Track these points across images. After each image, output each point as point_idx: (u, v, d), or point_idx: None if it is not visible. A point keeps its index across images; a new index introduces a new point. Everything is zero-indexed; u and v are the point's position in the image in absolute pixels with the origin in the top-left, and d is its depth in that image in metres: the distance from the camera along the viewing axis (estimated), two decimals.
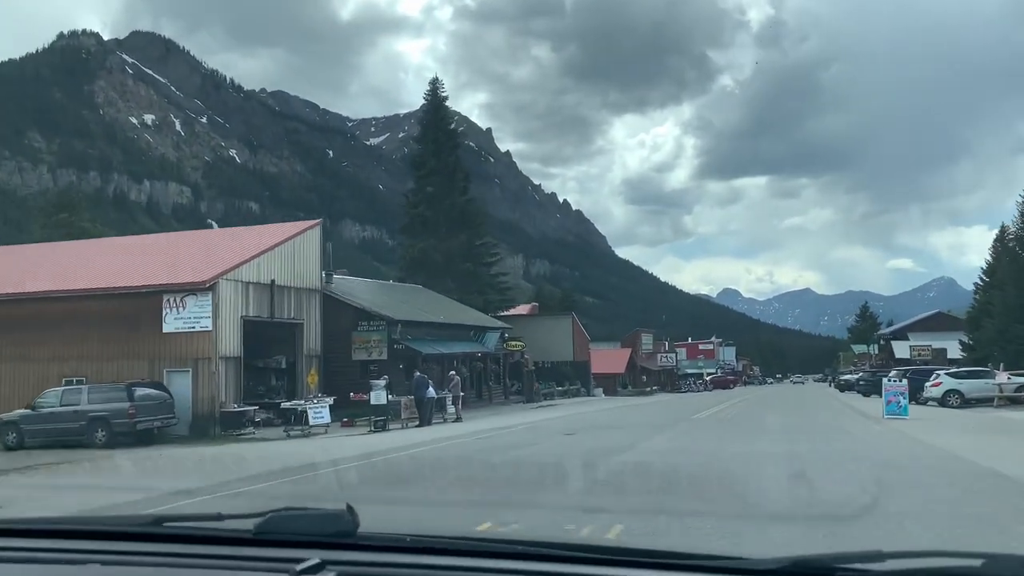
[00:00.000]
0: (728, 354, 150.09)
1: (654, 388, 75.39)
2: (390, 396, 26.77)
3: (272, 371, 32.13)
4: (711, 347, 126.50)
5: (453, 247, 50.78)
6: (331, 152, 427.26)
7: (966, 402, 36.24)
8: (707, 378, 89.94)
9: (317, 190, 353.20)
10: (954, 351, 69.76)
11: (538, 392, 48.37)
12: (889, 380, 28.00)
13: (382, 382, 26.05)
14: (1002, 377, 35.63)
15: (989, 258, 65.43)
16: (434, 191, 51.86)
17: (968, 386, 36.30)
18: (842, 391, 66.81)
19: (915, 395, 40.18)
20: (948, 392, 36.68)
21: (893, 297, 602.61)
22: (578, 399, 51.77)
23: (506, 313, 55.75)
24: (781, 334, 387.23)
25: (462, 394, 30.69)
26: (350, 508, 1.91)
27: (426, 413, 27.08)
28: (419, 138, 54.34)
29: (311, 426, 25.86)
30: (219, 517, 2.06)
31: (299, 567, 1.67)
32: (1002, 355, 53.58)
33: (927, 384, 37.74)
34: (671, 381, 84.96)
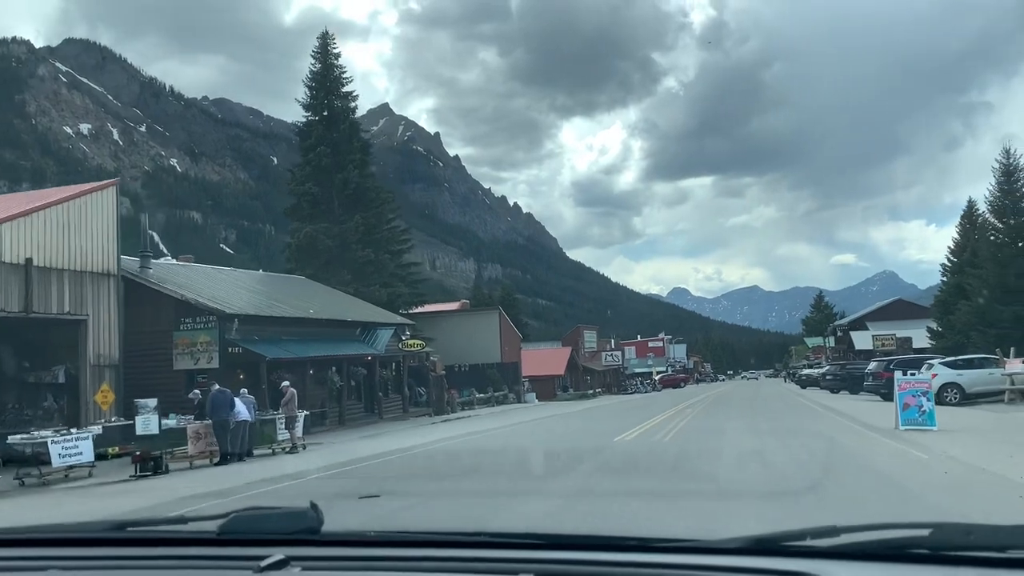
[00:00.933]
0: (679, 351, 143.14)
1: (597, 390, 67.08)
2: (177, 421, 17.77)
3: (47, 387, 22.87)
4: (660, 344, 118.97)
5: (348, 231, 41.78)
6: (276, 159, 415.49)
7: (967, 397, 28.54)
8: (656, 377, 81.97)
9: (262, 198, 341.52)
10: (920, 339, 62.71)
11: (452, 401, 39.62)
12: (906, 373, 19.70)
13: (151, 403, 17.13)
14: (1015, 365, 27.83)
15: (956, 236, 58.33)
16: (324, 164, 42.80)
17: (969, 378, 28.55)
18: (803, 387, 59.20)
19: None
20: (945, 386, 28.82)
21: (838, 292, 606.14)
22: (504, 407, 43.16)
23: (419, 310, 46.91)
24: (731, 331, 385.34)
25: (303, 414, 21.67)
26: (314, 506, 1.87)
27: (232, 444, 18.16)
28: (307, 104, 45.27)
29: (55, 469, 16.86)
30: (182, 520, 2.03)
31: (263, 563, 1.63)
32: (982, 339, 46.34)
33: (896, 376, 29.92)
34: (617, 382, 76.88)
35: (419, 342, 34.24)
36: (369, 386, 32.67)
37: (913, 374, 19.91)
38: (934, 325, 58.02)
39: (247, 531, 1.85)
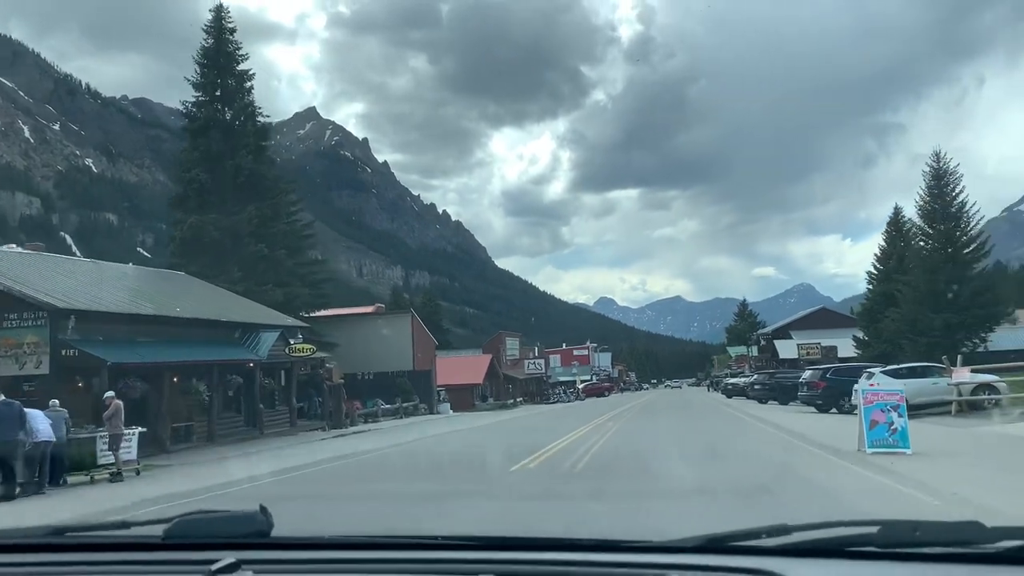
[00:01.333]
0: (604, 360, 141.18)
1: (519, 400, 63.56)
2: None
3: None
4: (585, 353, 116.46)
5: (240, 223, 37.19)
6: None
7: (909, 408, 25.93)
8: (580, 386, 78.94)
9: None
10: (846, 349, 61.20)
11: (353, 413, 35.44)
12: (871, 381, 16.61)
13: None
14: (962, 375, 25.29)
15: (882, 243, 56.84)
16: (214, 149, 38.11)
17: (913, 388, 25.96)
18: (729, 397, 56.83)
19: (837, 402, 29.80)
20: None
21: (758, 303, 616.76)
22: (412, 420, 39.13)
23: (323, 313, 42.56)
24: (655, 340, 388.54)
25: (132, 432, 17.23)
26: (263, 509, 1.81)
27: (27, 471, 13.81)
28: (196, 83, 40.33)
29: None
30: (125, 525, 1.92)
31: (214, 567, 1.56)
32: (912, 348, 44.51)
33: (857, 386, 27.24)
34: (540, 391, 73.54)
35: (309, 347, 29.93)
36: (249, 397, 28.27)
37: (881, 381, 16.79)
38: (860, 334, 56.44)
39: (195, 535, 1.77)
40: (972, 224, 44.22)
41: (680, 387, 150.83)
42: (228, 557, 1.60)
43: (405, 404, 41.60)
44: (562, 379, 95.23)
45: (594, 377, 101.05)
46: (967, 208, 43.99)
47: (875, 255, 57.24)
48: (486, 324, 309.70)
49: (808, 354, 65.17)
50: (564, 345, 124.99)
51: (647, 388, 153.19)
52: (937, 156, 44.84)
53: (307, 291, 40.24)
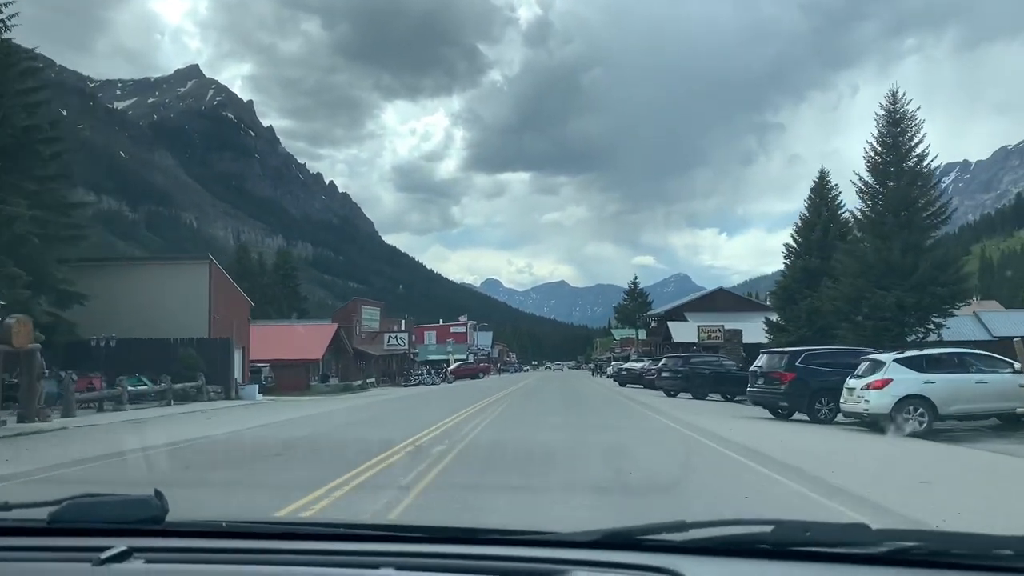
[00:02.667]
0: (484, 339, 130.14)
1: (369, 381, 51.08)
2: None
3: None
4: (463, 330, 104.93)
5: None
6: (65, 112, 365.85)
7: (939, 420, 15.53)
8: (450, 367, 66.96)
9: None
10: (754, 333, 51.91)
11: (70, 398, 22.33)
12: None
13: None
14: None
15: (804, 213, 47.33)
16: None
17: (947, 389, 15.55)
18: (623, 384, 46.36)
19: (810, 404, 19.11)
20: (905, 402, 15.60)
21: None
22: (184, 409, 26.16)
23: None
24: (538, 323, 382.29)
25: None
26: (158, 493, 1.70)
27: None
28: None
29: None
30: (6, 507, 1.78)
31: (103, 555, 1.45)
32: (853, 332, 35.03)
33: (852, 382, 16.55)
34: (403, 371, 61.25)
35: None
36: None
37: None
38: (773, 317, 46.97)
39: (83, 520, 1.64)
40: (932, 183, 34.96)
41: (562, 369, 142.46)
42: (119, 544, 1.48)
43: (184, 385, 28.50)
44: (434, 358, 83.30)
45: (470, 357, 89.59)
46: (926, 162, 34.64)
47: (795, 225, 47.71)
48: (369, 299, 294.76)
49: (709, 337, 55.74)
50: (441, 321, 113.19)
51: (527, 369, 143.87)
52: (894, 96, 35.27)
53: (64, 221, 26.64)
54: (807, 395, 17.93)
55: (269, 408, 27.31)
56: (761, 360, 19.98)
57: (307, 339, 45.75)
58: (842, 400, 16.91)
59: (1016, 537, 1.53)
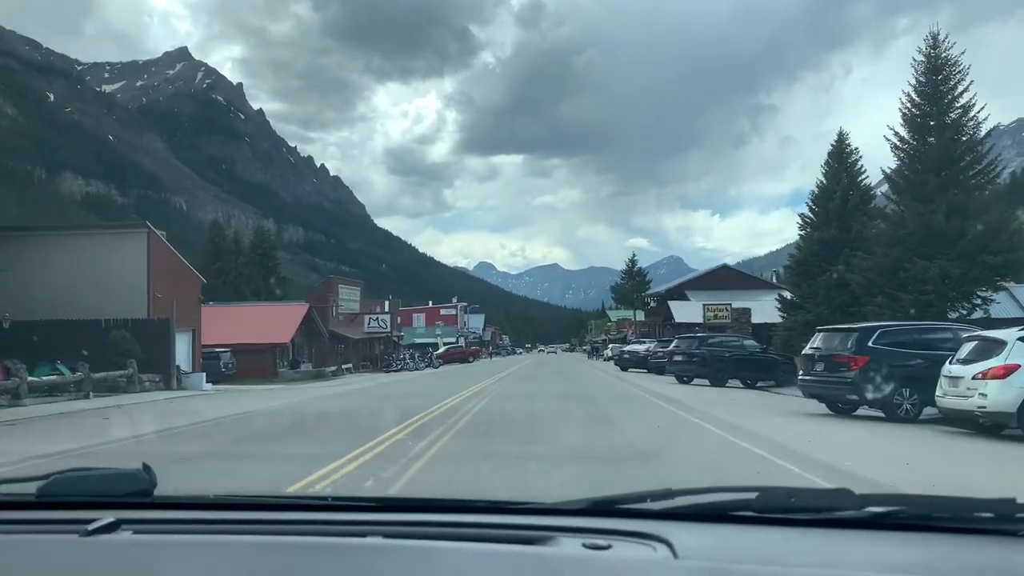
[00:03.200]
0: (475, 321, 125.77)
1: (348, 366, 46.35)
2: None
3: None
4: (453, 312, 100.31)
5: None
6: (52, 96, 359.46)
7: None
8: (438, 351, 62.06)
9: (32, 136, 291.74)
10: (764, 312, 47.52)
11: None
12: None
13: None
14: None
15: (820, 180, 42.55)
16: None
17: None
18: (624, 368, 41.80)
19: (889, 397, 14.49)
20: None
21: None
22: (99, 404, 21.36)
23: None
24: (531, 306, 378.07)
25: None
26: (146, 467, 1.69)
27: None
28: None
29: None
30: None
31: (91, 527, 1.45)
32: (891, 308, 30.45)
33: (956, 368, 12.00)
34: (385, 355, 56.46)
35: None
36: None
37: None
38: (787, 294, 42.46)
39: (71, 493, 1.63)
40: (980, 136, 30.28)
41: (555, 352, 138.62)
42: (106, 516, 1.48)
43: (110, 374, 23.75)
44: (421, 341, 78.64)
45: (460, 340, 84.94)
46: (972, 114, 29.95)
47: (811, 194, 43.07)
48: (364, 283, 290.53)
49: (715, 317, 51.11)
50: (431, 303, 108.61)
51: (520, 353, 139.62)
52: (935, 40, 30.52)
53: None
54: (888, 385, 13.30)
55: (207, 402, 22.56)
56: (817, 340, 15.28)
57: (275, 321, 40.97)
58: (939, 393, 12.33)
59: (995, 500, 1.49)
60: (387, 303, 64.19)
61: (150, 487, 1.65)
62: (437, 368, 51.59)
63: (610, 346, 66.92)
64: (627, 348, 45.93)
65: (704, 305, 50.11)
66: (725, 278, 65.74)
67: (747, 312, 49.72)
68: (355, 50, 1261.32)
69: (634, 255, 77.06)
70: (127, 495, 1.63)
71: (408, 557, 1.39)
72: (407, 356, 52.35)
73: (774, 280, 69.95)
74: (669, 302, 62.44)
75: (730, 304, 50.69)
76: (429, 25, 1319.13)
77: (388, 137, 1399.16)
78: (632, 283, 75.83)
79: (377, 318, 54.24)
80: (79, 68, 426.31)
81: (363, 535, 1.48)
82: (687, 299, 64.17)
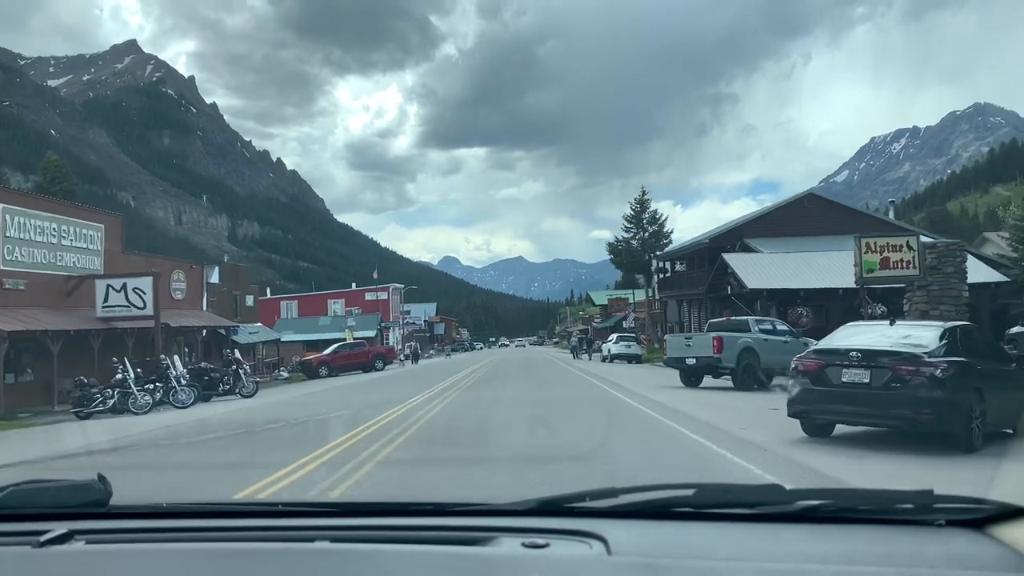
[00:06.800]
0: (422, 311, 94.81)
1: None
2: None
3: None
4: (384, 297, 69.46)
5: None
6: None
7: None
8: (298, 357, 31.14)
9: None
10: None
11: None
12: None
13: None
14: None
15: None
16: None
17: None
18: (691, 384, 11.82)
19: None
20: None
21: (594, 265, 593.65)
22: None
23: None
24: (496, 299, 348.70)
25: None
26: (102, 478, 1.64)
27: None
28: None
29: None
30: None
31: (43, 538, 1.40)
32: None
33: None
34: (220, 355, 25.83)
35: None
36: None
37: None
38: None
39: (25, 506, 1.58)
40: None
41: (524, 346, 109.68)
42: (59, 528, 1.44)
43: None
44: (311, 338, 47.75)
45: (398, 334, 54.30)
46: None
47: None
48: (321, 279, 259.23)
49: (888, 266, 21.59)
50: (354, 285, 77.88)
51: (480, 347, 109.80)
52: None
53: None
54: None
55: None
56: None
57: None
58: None
59: (915, 491, 1.50)
60: (195, 268, 32.83)
61: (105, 498, 1.59)
62: (250, 395, 21.30)
63: (616, 338, 37.34)
64: (690, 341, 15.34)
65: (864, 242, 19.86)
66: (812, 213, 35.88)
67: (959, 250, 20.22)
68: (313, 43, 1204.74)
69: (644, 191, 46.38)
70: (83, 505, 1.57)
71: (355, 560, 1.37)
72: (166, 366, 19.76)
73: (891, 216, 40.64)
74: (725, 255, 32.53)
75: (916, 237, 20.90)
76: (389, 16, 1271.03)
77: (349, 132, 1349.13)
78: (641, 234, 45.24)
79: (123, 288, 22.83)
80: (21, 63, 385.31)
81: (311, 540, 1.45)
82: (751, 250, 34.52)
